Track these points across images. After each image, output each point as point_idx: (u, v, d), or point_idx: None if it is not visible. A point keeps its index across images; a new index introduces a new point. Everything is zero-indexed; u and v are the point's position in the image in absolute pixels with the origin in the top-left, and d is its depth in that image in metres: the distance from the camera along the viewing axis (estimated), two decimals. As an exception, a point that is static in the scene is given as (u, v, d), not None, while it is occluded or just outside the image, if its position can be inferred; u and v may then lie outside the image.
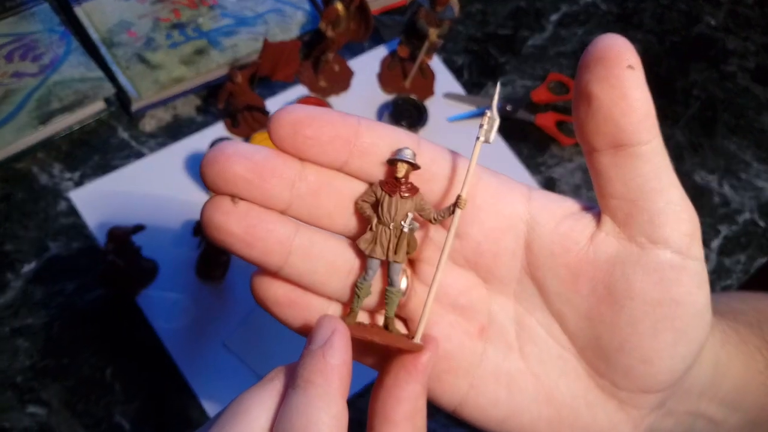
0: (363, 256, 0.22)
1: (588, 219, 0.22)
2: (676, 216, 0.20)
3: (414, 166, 0.21)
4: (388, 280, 0.22)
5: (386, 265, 0.22)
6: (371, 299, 0.22)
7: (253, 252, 0.20)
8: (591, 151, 0.21)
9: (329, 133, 0.20)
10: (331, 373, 0.19)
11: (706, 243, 0.68)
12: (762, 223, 0.71)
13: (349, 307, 0.22)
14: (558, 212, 0.22)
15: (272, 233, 0.20)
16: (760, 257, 0.69)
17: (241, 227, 0.20)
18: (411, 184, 0.21)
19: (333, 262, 0.21)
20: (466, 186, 0.21)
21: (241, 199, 0.20)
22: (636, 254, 0.20)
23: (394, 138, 0.21)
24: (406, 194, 0.21)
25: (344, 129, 0.20)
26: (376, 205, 0.21)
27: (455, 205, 0.21)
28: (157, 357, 0.51)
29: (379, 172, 0.21)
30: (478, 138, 0.21)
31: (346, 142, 0.20)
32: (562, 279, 0.22)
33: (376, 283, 0.22)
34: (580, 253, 0.21)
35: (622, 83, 0.19)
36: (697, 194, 0.71)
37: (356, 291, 0.22)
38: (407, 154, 0.20)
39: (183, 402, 0.50)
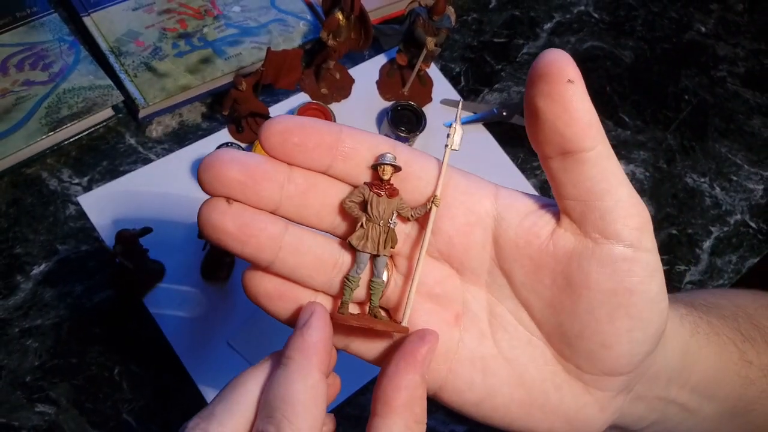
0: (349, 251, 0.24)
1: (549, 216, 0.23)
2: (625, 212, 0.22)
3: (397, 168, 0.23)
4: (374, 272, 0.24)
5: (373, 259, 0.24)
6: (357, 292, 0.24)
7: (246, 248, 0.22)
8: (544, 158, 0.23)
9: (314, 140, 0.22)
10: (309, 350, 0.22)
11: (698, 244, 0.70)
12: (753, 224, 0.72)
13: (339, 301, 0.24)
14: (522, 209, 0.24)
15: (264, 231, 0.22)
16: (752, 258, 0.70)
17: (236, 226, 0.22)
18: (392, 185, 0.23)
19: (320, 256, 0.23)
20: (440, 186, 0.23)
21: (235, 200, 0.22)
22: (591, 248, 0.22)
23: (373, 142, 0.23)
24: (391, 194, 0.23)
25: (328, 136, 0.22)
26: (364, 205, 0.23)
27: (432, 203, 0.23)
28: (164, 356, 0.52)
29: (360, 174, 0.23)
30: (446, 145, 0.24)
31: (330, 147, 0.23)
32: (526, 270, 0.23)
33: (362, 276, 0.24)
34: (541, 247, 0.23)
35: (562, 97, 0.21)
36: (689, 196, 0.72)
37: (347, 284, 0.24)
38: (390, 158, 0.23)
39: (189, 399, 0.51)
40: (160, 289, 0.53)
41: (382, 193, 0.23)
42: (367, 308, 0.24)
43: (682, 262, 0.68)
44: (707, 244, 0.70)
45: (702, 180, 0.73)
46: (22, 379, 0.49)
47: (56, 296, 0.52)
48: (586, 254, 0.22)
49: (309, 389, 0.21)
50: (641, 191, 0.23)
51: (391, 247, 0.24)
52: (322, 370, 0.22)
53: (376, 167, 0.23)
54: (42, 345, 0.50)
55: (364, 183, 0.23)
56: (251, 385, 0.22)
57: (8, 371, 0.49)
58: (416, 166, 0.23)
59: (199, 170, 0.22)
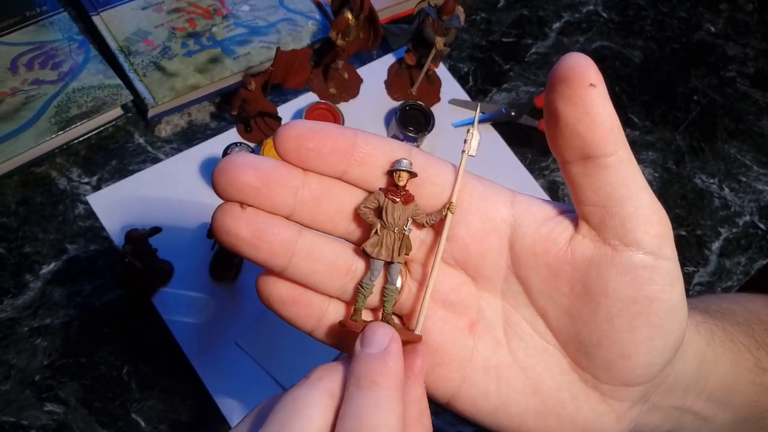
0: (363, 258, 0.24)
1: (567, 222, 0.23)
2: (646, 219, 0.21)
3: (412, 174, 0.23)
4: (388, 279, 0.24)
5: (386, 266, 0.23)
6: (370, 298, 0.24)
7: (259, 254, 0.22)
8: (563, 162, 0.22)
9: (329, 145, 0.22)
10: (393, 377, 0.20)
11: (707, 245, 0.70)
12: (762, 226, 0.72)
13: (352, 307, 0.24)
14: (539, 215, 0.23)
15: (277, 236, 0.22)
16: (761, 259, 0.70)
17: (249, 231, 0.22)
18: (408, 191, 0.23)
19: (334, 262, 0.23)
20: (456, 192, 0.23)
21: (249, 205, 0.22)
22: (610, 255, 0.22)
23: (388, 148, 0.23)
24: (407, 200, 0.23)
25: (342, 141, 0.22)
26: (379, 211, 0.23)
27: (447, 209, 0.23)
28: (172, 355, 0.52)
29: (375, 180, 0.23)
30: (463, 151, 0.23)
31: (345, 153, 0.22)
32: (543, 277, 0.23)
33: (376, 283, 0.24)
34: (559, 254, 0.23)
35: (584, 101, 0.21)
36: (697, 197, 0.72)
37: (361, 291, 0.23)
38: (406, 164, 0.22)
39: (197, 399, 0.51)
40: (169, 288, 0.53)
41: (398, 200, 0.23)
42: (380, 315, 0.24)
43: (691, 263, 0.68)
44: (716, 246, 0.69)
45: (711, 181, 0.73)
46: (31, 378, 0.49)
47: (65, 295, 0.52)
48: (605, 262, 0.22)
49: (397, 420, 0.20)
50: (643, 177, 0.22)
51: (406, 254, 0.23)
52: (402, 399, 0.21)
53: (391, 173, 0.23)
54: (51, 344, 0.50)
55: (379, 189, 0.23)
56: (314, 411, 0.20)
57: (17, 370, 0.49)
58: (432, 172, 0.23)
59: (213, 175, 0.22)
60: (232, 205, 0.22)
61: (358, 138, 0.22)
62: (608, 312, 0.22)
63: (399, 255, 0.23)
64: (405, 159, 0.22)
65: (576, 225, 0.23)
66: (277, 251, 0.22)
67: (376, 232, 0.23)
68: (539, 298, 0.23)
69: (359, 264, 0.23)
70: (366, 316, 0.24)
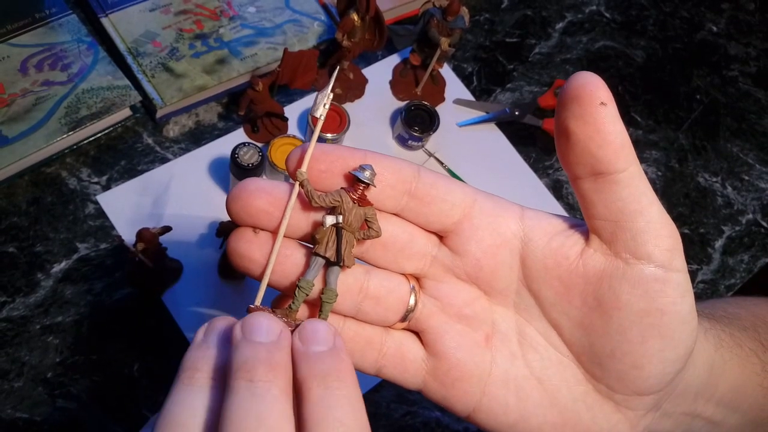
0: (374, 275, 0.23)
1: (577, 236, 0.24)
2: (656, 233, 0.22)
3: (370, 185, 0.22)
4: (326, 282, 0.23)
5: (326, 266, 0.23)
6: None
7: (272, 276, 0.22)
8: (574, 178, 0.23)
9: (340, 165, 0.22)
10: (279, 369, 0.19)
11: (710, 243, 0.70)
12: (765, 224, 0.72)
13: (289, 301, 0.23)
14: (549, 229, 0.24)
15: (289, 258, 0.23)
16: (764, 257, 0.70)
17: (262, 254, 0.22)
18: (366, 196, 0.23)
19: (344, 281, 0.23)
20: (306, 160, 0.22)
21: (262, 229, 0.22)
22: (622, 269, 0.22)
23: (397, 167, 0.23)
24: (363, 204, 0.23)
25: (352, 162, 0.23)
26: (334, 210, 0.23)
27: (297, 180, 0.22)
28: (182, 353, 0.52)
29: (387, 199, 0.23)
30: (319, 117, 0.23)
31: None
32: (555, 291, 0.24)
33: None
34: (570, 267, 0.23)
35: (595, 119, 0.21)
36: (700, 196, 0.72)
37: (300, 290, 0.22)
38: (367, 176, 0.22)
39: (207, 396, 0.52)
40: (179, 287, 0.54)
41: (356, 202, 0.22)
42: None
43: (694, 261, 0.69)
44: (719, 244, 0.70)
45: (714, 179, 0.73)
46: (43, 375, 0.50)
47: (76, 294, 0.53)
48: (617, 275, 0.22)
49: (287, 417, 0.18)
50: (653, 191, 0.23)
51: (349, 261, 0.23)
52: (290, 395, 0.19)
53: (355, 177, 0.22)
54: (63, 342, 0.51)
55: (342, 188, 0.23)
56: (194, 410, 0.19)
57: (30, 367, 0.50)
58: (441, 190, 0.23)
59: (227, 201, 0.22)
60: (246, 229, 0.22)
61: (367, 158, 0.23)
62: (621, 324, 0.22)
63: (348, 258, 0.23)
64: (368, 171, 0.22)
65: (586, 239, 0.23)
66: (290, 273, 0.23)
67: (322, 226, 0.22)
68: (552, 310, 0.24)
69: (371, 282, 0.24)
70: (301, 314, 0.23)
